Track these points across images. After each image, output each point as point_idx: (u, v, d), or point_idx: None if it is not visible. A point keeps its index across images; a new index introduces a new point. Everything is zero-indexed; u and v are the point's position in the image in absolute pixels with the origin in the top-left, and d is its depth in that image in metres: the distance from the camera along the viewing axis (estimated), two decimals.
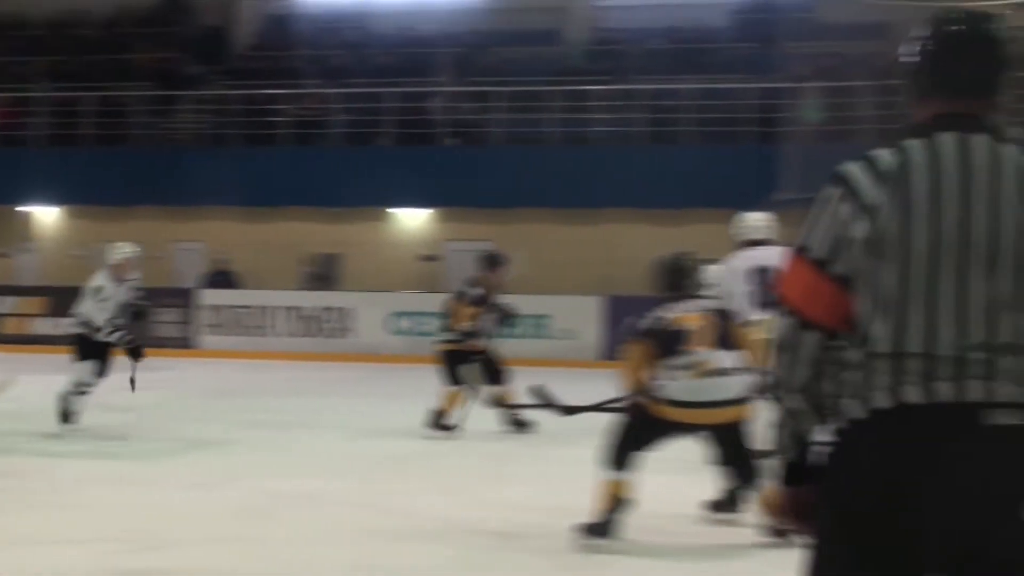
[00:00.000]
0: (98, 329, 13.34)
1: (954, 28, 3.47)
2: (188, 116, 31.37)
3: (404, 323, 25.02)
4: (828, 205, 3.38)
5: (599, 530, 8.27)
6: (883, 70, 27.05)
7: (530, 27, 32.63)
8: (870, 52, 28.58)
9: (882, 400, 3.23)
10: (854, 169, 3.37)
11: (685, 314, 8.64)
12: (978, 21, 3.47)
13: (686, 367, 8.44)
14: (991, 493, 3.14)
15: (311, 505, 9.67)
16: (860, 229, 3.30)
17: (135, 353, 13.52)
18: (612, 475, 8.38)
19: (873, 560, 3.24)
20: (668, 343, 8.53)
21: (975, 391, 3.17)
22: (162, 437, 13.45)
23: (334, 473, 11.25)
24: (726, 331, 8.61)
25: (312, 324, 25.58)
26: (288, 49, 32.94)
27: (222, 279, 27.23)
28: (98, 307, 13.30)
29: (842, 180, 3.37)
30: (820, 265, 3.36)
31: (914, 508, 3.17)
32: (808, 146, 26.01)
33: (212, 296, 26.40)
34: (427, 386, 14.01)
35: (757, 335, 8.80)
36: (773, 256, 9.28)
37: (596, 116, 28.56)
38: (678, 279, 8.89)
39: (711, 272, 9.56)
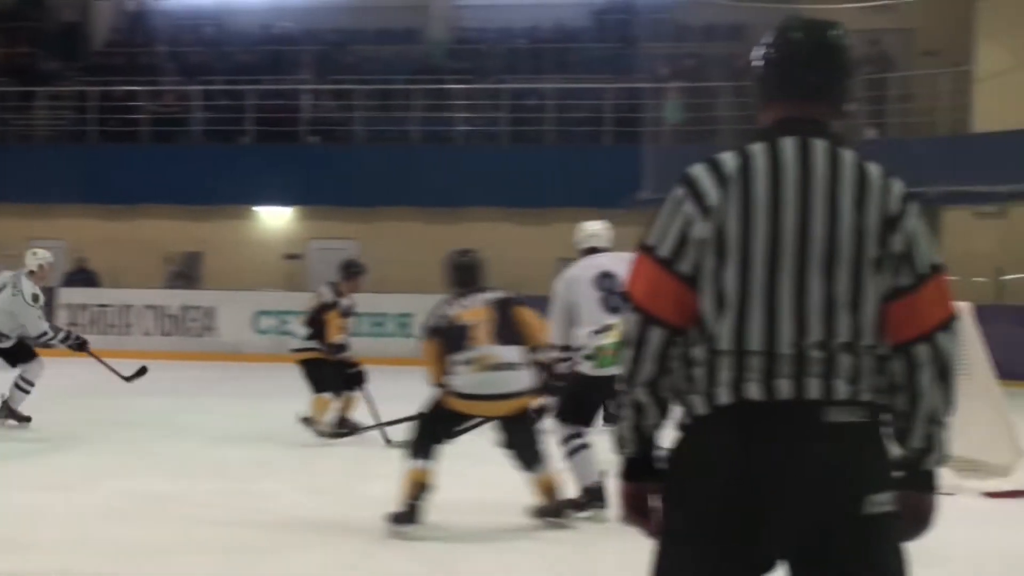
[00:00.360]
0: (43, 336, 13.82)
1: (795, 35, 3.61)
2: (45, 112, 30.97)
3: (267, 322, 24.92)
4: (673, 205, 3.48)
5: (404, 518, 8.60)
6: (740, 71, 27.46)
7: (392, 25, 32.70)
8: (727, 53, 29.00)
9: (725, 397, 3.35)
10: (698, 171, 3.46)
11: (467, 310, 9.07)
12: (819, 29, 3.62)
13: (468, 362, 8.88)
14: (831, 489, 3.28)
15: (174, 506, 9.59)
16: (703, 230, 3.40)
17: (83, 347, 14.27)
18: (414, 465, 8.78)
19: (717, 553, 3.34)
20: (453, 339, 8.98)
21: (814, 389, 3.30)
22: (21, 437, 13.28)
23: (197, 473, 11.17)
24: (509, 323, 9.01)
25: (174, 323, 25.39)
26: (146, 45, 32.66)
27: (82, 278, 26.92)
28: (41, 315, 13.63)
29: (687, 182, 3.47)
30: (665, 264, 3.45)
31: (756, 503, 3.28)
32: (670, 146, 26.33)
33: (72, 295, 26.07)
34: (290, 385, 13.95)
35: (609, 337, 8.99)
36: (615, 261, 9.39)
37: (459, 115, 28.65)
38: (463, 275, 9.33)
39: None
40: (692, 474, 3.41)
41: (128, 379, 14.26)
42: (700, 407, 3.41)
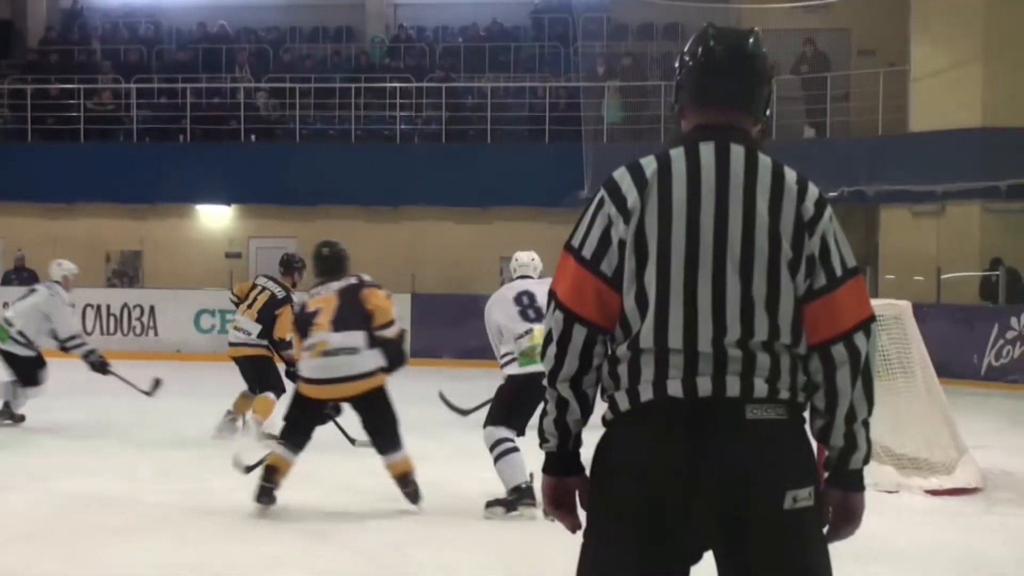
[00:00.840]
0: (72, 339, 14.40)
1: (712, 45, 3.73)
2: None
3: (209, 321, 24.84)
4: (596, 208, 3.58)
5: (261, 495, 9.19)
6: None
7: (329, 23, 32.66)
8: (665, 52, 29.11)
9: (647, 393, 3.46)
10: (620, 175, 3.58)
11: (316, 298, 9.68)
12: (735, 38, 3.78)
13: (310, 347, 9.45)
14: (750, 484, 3.38)
15: (112, 506, 9.60)
16: (623, 232, 3.51)
17: (104, 368, 14.75)
18: (276, 450, 9.46)
19: (638, 546, 3.44)
20: (303, 326, 9.63)
21: (732, 387, 3.41)
22: None
23: (134, 473, 11.13)
24: (353, 308, 9.51)
25: (114, 322, 25.23)
26: (82, 43, 32.42)
27: (21, 277, 26.68)
28: (74, 319, 13.82)
29: (608, 185, 3.58)
30: (588, 264, 3.55)
31: (676, 497, 3.39)
32: (610, 145, 26.40)
33: (11, 294, 25.77)
34: (234, 384, 13.90)
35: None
36: (539, 284, 10.27)
37: (398, 114, 28.66)
38: (321, 266, 10.03)
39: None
40: (615, 468, 3.51)
41: (149, 394, 14.31)
42: (623, 403, 3.51)
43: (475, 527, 9.06)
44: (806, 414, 3.58)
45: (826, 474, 3.62)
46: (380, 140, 28.75)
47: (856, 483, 3.63)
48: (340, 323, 9.51)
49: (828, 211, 3.58)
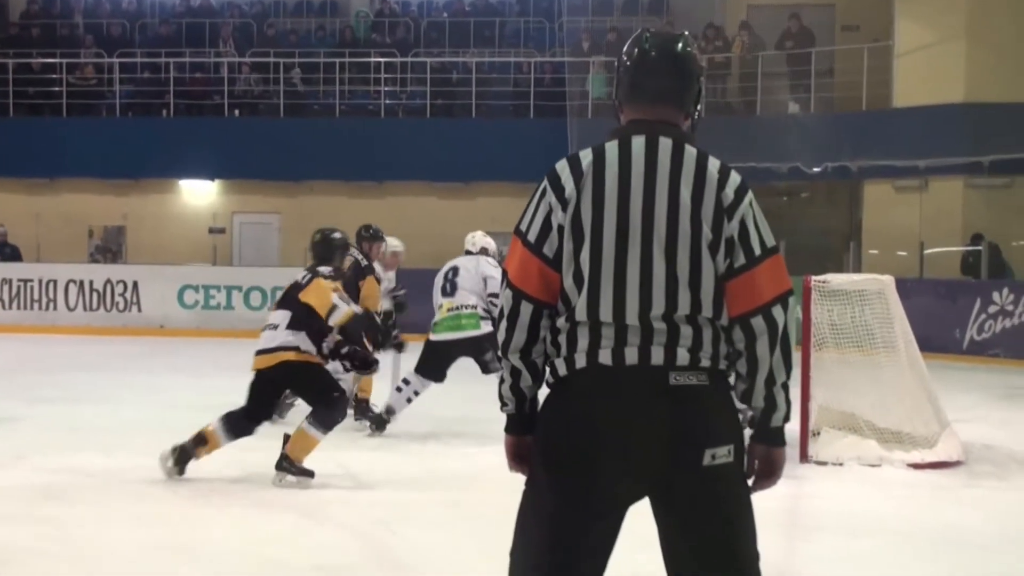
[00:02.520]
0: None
1: (647, 47, 4.11)
2: None
3: (192, 296, 24.82)
4: (540, 197, 3.99)
5: (181, 456, 9.65)
6: None
7: None
8: (649, 27, 29.08)
9: (581, 361, 3.85)
10: (560, 166, 3.98)
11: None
12: (669, 41, 4.15)
13: None
14: (672, 443, 3.77)
15: (94, 485, 9.56)
16: (562, 219, 3.91)
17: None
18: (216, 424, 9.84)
19: (572, 494, 3.83)
20: None
21: (657, 356, 3.80)
22: None
23: (117, 451, 11.04)
24: (294, 295, 10.02)
25: (97, 297, 25.20)
26: (64, 17, 32.29)
27: (5, 252, 26.66)
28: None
29: (549, 176, 3.98)
30: (532, 247, 3.96)
31: (606, 455, 3.78)
32: (594, 119, 26.41)
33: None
34: (217, 360, 13.89)
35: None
36: (469, 261, 12.40)
37: (383, 88, 28.62)
38: (313, 251, 10.67)
39: None
40: (552, 428, 3.92)
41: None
42: (561, 369, 3.91)
43: (460, 504, 9.08)
44: (732, 379, 3.97)
45: (752, 432, 4.00)
46: (364, 115, 28.72)
47: (777, 439, 4.00)
48: (280, 303, 10.18)
49: (748, 197, 3.90)
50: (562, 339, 3.91)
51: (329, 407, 9.69)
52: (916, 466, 10.45)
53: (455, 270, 12.29)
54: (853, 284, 11.68)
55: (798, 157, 25.44)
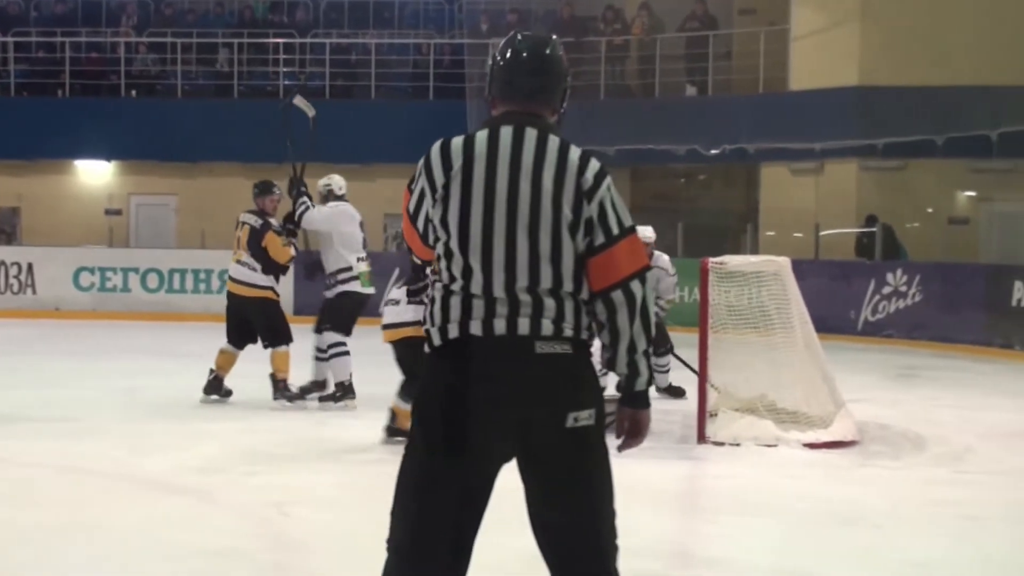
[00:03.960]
0: None
1: (518, 49, 4.46)
2: None
3: (88, 278, 24.57)
4: (417, 177, 4.36)
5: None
6: (563, 25, 27.63)
7: None
8: (548, 8, 29.17)
9: (454, 331, 4.18)
10: (434, 153, 4.31)
11: None
12: (538, 44, 4.49)
13: None
14: (536, 407, 4.12)
15: None
16: (431, 200, 4.28)
17: None
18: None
19: (440, 460, 4.17)
20: None
21: (523, 326, 4.13)
22: None
23: (19, 434, 10.98)
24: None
25: None
26: None
27: None
28: None
29: (424, 162, 4.32)
30: (411, 217, 4.42)
31: (475, 419, 4.11)
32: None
33: None
34: (114, 343, 13.76)
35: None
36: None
37: (281, 69, 28.49)
38: None
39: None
40: (427, 394, 4.27)
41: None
42: (436, 339, 4.24)
43: (356, 483, 9.12)
44: (595, 348, 4.28)
45: (619, 396, 4.35)
46: (263, 96, 28.55)
47: (641, 402, 4.35)
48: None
49: (606, 182, 4.24)
50: (436, 310, 4.24)
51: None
52: (812, 446, 10.57)
53: (363, 225, 13.17)
54: (750, 266, 11.80)
55: (696, 139, 25.63)
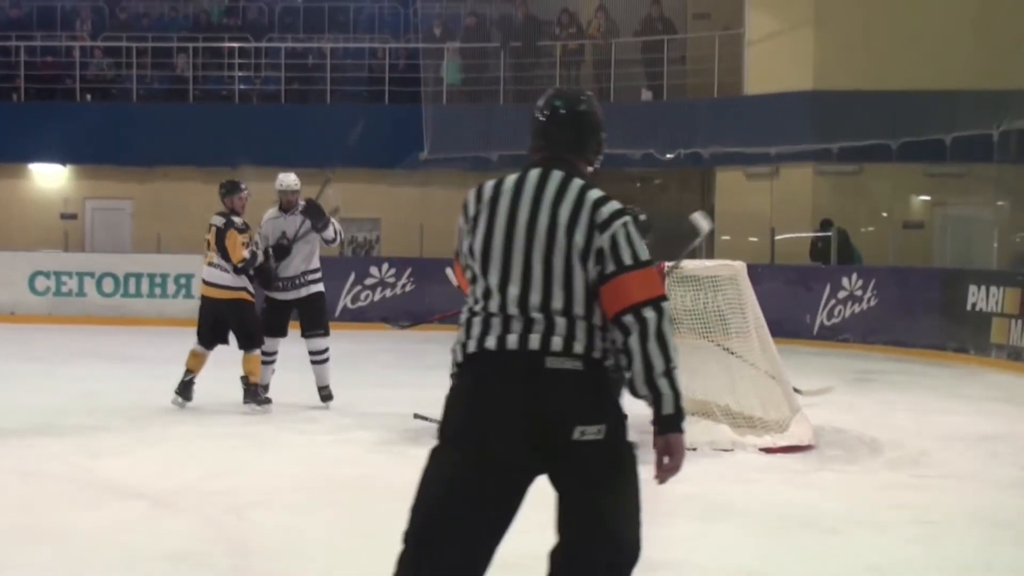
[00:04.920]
0: None
1: (555, 105, 4.89)
2: None
3: (44, 283, 24.43)
4: (460, 216, 4.79)
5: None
6: (517, 31, 27.66)
7: None
8: (504, 13, 29.17)
9: (472, 347, 4.56)
10: (472, 194, 4.78)
11: None
12: (574, 101, 4.94)
13: None
14: (546, 418, 4.41)
15: None
16: (466, 231, 4.74)
17: None
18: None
19: (465, 456, 4.46)
20: None
21: (534, 342, 4.47)
22: None
23: None
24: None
25: None
26: None
27: None
28: None
29: (465, 201, 4.79)
30: (456, 254, 4.82)
31: (491, 428, 4.43)
32: (449, 106, 26.44)
33: None
34: (69, 348, 13.70)
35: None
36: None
37: (237, 74, 28.42)
38: None
39: None
40: (450, 404, 4.60)
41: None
42: (459, 355, 4.63)
43: (314, 487, 9.12)
44: (609, 365, 4.57)
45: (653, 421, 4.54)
46: (218, 100, 28.51)
47: (671, 426, 4.53)
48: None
49: (622, 220, 4.56)
50: (462, 331, 4.63)
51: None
52: (768, 450, 10.63)
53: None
54: (706, 270, 11.82)
55: (651, 144, 25.67)
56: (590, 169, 4.87)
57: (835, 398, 13.78)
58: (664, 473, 4.57)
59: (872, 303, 20.95)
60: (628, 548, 4.51)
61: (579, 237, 4.50)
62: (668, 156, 25.84)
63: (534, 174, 4.69)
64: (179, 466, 9.76)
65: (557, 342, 4.45)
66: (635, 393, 4.54)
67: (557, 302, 4.50)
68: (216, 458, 10.21)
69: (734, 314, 11.45)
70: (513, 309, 4.52)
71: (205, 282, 13.00)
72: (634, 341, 4.46)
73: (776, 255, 23.18)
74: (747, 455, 10.47)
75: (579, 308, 4.51)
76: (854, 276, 21.35)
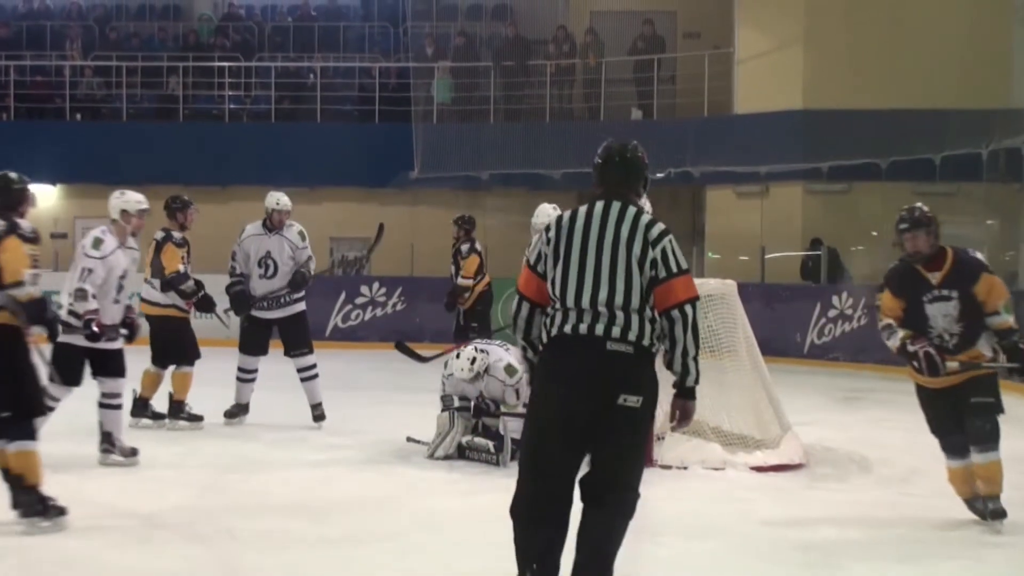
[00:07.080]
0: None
1: (609, 151, 6.45)
2: None
3: None
4: (539, 238, 6.33)
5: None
6: (506, 50, 27.67)
7: (156, 1, 32.21)
8: (494, 32, 29.19)
9: (555, 331, 6.10)
10: (552, 220, 6.33)
11: None
12: (622, 148, 6.47)
13: None
14: (600, 387, 5.96)
15: None
16: (547, 250, 6.23)
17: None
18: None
19: (550, 406, 6.07)
20: None
21: (599, 330, 5.99)
22: None
23: None
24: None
25: None
26: None
27: None
28: None
29: (547, 226, 6.30)
30: (530, 266, 6.30)
31: (565, 387, 6.01)
32: (439, 125, 26.44)
33: None
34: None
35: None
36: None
37: (227, 93, 28.41)
38: None
39: None
40: (540, 370, 6.24)
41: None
42: (545, 338, 6.16)
43: (305, 505, 9.10)
44: (656, 351, 6.08)
45: (675, 390, 6.20)
46: (208, 119, 28.49)
47: (690, 395, 6.22)
48: None
49: (668, 237, 6.08)
50: (549, 320, 6.16)
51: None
52: (758, 469, 10.64)
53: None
54: (699, 287, 11.81)
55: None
56: (641, 200, 6.31)
57: (826, 417, 13.81)
58: (679, 424, 6.34)
59: (862, 322, 20.92)
60: (634, 491, 6.11)
61: (637, 249, 6.00)
62: (658, 175, 25.74)
63: (599, 205, 6.19)
64: (169, 485, 9.74)
65: (616, 331, 5.96)
66: (669, 367, 6.11)
67: (618, 299, 5.98)
68: (207, 477, 10.19)
69: (725, 332, 11.46)
70: (585, 304, 6.01)
71: (140, 299, 12.85)
72: (678, 330, 6.02)
73: (766, 274, 23.19)
74: (738, 473, 10.48)
75: (635, 304, 5.98)
76: (844, 295, 21.36)
